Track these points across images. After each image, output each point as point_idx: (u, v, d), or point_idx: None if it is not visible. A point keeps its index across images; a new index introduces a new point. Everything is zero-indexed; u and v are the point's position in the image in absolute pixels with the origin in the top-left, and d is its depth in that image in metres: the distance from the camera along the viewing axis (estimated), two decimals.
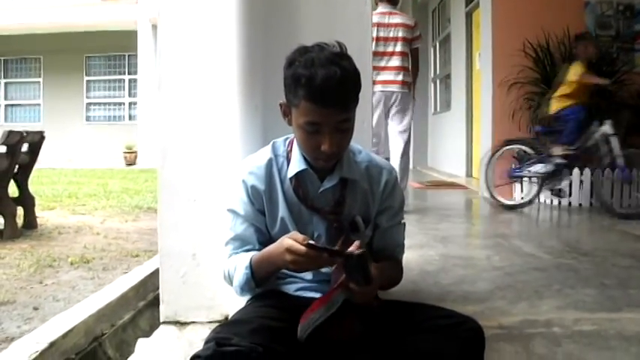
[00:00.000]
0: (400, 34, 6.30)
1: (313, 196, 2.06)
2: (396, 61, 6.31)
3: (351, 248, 1.80)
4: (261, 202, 2.08)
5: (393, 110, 6.49)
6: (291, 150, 2.09)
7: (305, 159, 2.03)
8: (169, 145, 2.57)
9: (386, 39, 6.28)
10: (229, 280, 2.10)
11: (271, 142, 2.15)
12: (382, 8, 6.36)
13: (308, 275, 2.08)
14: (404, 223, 2.25)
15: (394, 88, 6.36)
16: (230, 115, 2.53)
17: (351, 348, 1.88)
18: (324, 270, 1.97)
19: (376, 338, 1.89)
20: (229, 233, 2.12)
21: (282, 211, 2.07)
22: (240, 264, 2.01)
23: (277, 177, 2.08)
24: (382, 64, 6.27)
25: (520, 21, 7.64)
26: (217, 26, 2.56)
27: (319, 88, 1.82)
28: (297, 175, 2.04)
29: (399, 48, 6.30)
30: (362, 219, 2.04)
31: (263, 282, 2.02)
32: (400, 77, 6.36)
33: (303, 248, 1.79)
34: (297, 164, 2.04)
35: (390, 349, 1.87)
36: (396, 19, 6.34)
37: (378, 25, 6.19)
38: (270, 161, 2.10)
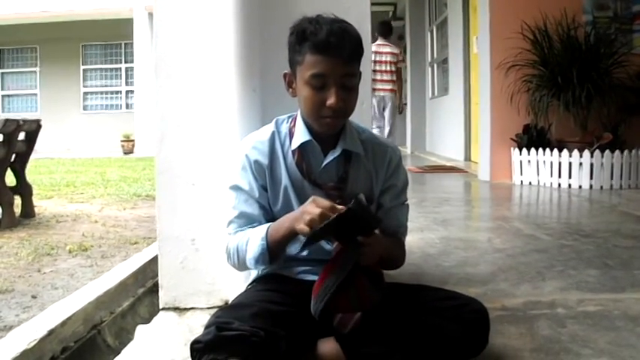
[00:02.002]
0: (389, 59, 10.07)
1: (316, 171, 2.04)
2: (386, 77, 10.13)
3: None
4: (264, 177, 2.06)
5: (385, 106, 10.31)
6: (294, 126, 2.07)
7: (309, 131, 2.02)
8: (167, 129, 2.54)
9: (380, 62, 9.96)
10: (236, 256, 2.05)
11: (274, 119, 2.14)
12: (379, 41, 10.02)
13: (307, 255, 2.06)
14: (407, 205, 2.23)
15: (386, 93, 10.19)
16: (228, 97, 2.50)
17: (353, 330, 1.86)
18: (327, 247, 1.96)
19: (380, 321, 1.87)
20: (232, 212, 2.09)
21: (284, 186, 2.05)
22: (255, 236, 1.98)
23: (280, 152, 2.07)
24: (377, 78, 9.97)
25: (517, 3, 7.62)
26: (214, 8, 2.53)
27: (324, 38, 1.86)
28: (301, 148, 2.03)
29: (387, 68, 10.09)
30: (365, 197, 2.02)
31: (277, 255, 1.99)
32: (389, 86, 10.22)
33: (327, 203, 1.78)
34: (301, 135, 2.02)
35: (395, 332, 1.85)
36: (387, 49, 10.08)
37: (375, 52, 9.76)
38: (273, 135, 2.08)
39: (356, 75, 1.97)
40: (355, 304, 1.82)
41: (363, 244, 1.78)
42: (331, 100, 1.88)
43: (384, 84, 10.10)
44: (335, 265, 1.81)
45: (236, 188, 2.08)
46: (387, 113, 10.27)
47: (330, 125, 1.97)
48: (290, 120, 2.12)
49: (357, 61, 1.97)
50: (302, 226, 1.76)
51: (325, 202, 1.78)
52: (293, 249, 2.03)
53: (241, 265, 2.07)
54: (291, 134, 2.07)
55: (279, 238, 1.94)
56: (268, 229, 1.97)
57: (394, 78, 10.20)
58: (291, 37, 1.97)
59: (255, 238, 1.98)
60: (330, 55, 1.86)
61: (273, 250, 1.96)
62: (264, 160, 2.05)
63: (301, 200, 2.01)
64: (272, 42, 2.50)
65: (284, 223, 1.93)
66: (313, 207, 1.77)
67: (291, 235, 1.90)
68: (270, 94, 2.51)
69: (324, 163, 2.02)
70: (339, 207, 1.76)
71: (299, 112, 2.06)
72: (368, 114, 2.69)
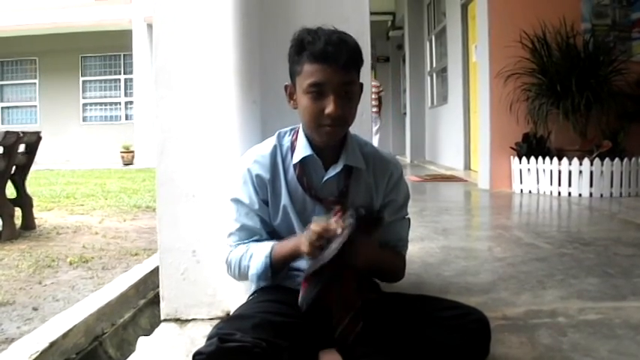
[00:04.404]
0: (373, 90, 12.55)
1: (317, 186, 2.04)
2: (373, 102, 11.61)
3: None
4: (265, 191, 2.06)
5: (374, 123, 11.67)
6: (296, 139, 2.08)
7: (310, 145, 2.02)
8: (167, 141, 2.55)
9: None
10: (237, 269, 2.07)
11: (276, 132, 2.15)
12: None
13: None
14: (408, 219, 2.23)
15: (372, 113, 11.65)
16: (228, 109, 2.50)
17: (355, 341, 1.86)
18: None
19: (381, 331, 1.87)
20: (233, 224, 2.10)
21: (284, 200, 2.06)
22: (259, 252, 2.00)
23: (281, 166, 2.07)
24: None
25: (516, 12, 7.64)
26: (213, 20, 2.54)
27: (322, 47, 1.88)
28: (302, 162, 2.03)
29: (373, 96, 12.25)
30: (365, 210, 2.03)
31: (279, 272, 2.02)
32: (374, 109, 13.68)
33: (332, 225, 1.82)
34: (302, 150, 2.03)
35: (396, 342, 1.85)
36: (373, 82, 11.73)
37: None
38: (274, 149, 2.09)
39: (355, 83, 1.97)
40: (339, 301, 1.86)
41: (359, 245, 1.81)
42: (330, 109, 1.88)
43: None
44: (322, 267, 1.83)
45: (237, 201, 2.09)
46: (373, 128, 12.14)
47: (330, 134, 1.96)
48: (292, 133, 2.12)
49: (355, 70, 1.97)
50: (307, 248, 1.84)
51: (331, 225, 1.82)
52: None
53: (242, 277, 2.09)
54: (292, 148, 2.08)
55: (282, 257, 1.97)
56: (273, 247, 1.99)
57: (377, 104, 14.38)
58: (291, 49, 1.98)
59: (259, 255, 1.99)
60: (327, 64, 1.87)
61: (276, 268, 1.99)
62: (266, 175, 2.05)
63: (301, 214, 2.04)
64: (272, 54, 2.51)
65: (288, 243, 1.97)
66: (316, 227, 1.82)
67: (295, 254, 1.93)
68: (271, 106, 2.52)
69: (325, 177, 2.03)
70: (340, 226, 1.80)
71: (301, 126, 2.06)
72: (367, 125, 2.69)
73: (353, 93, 1.96)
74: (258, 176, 2.05)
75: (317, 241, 1.79)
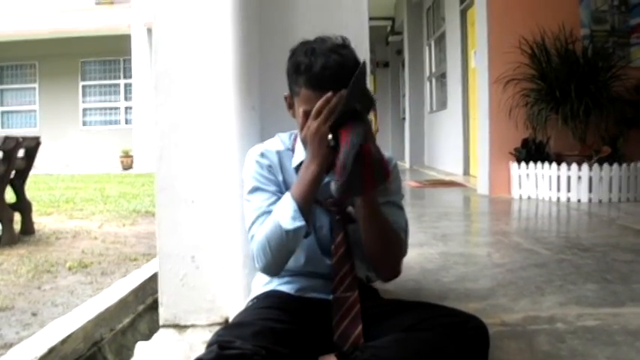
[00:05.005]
0: None
1: None
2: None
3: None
4: (277, 180, 2.08)
5: None
6: (295, 143, 2.09)
7: None
8: (166, 146, 2.55)
9: None
10: (269, 242, 1.94)
11: (276, 135, 2.15)
12: None
13: (318, 269, 2.06)
14: (401, 208, 2.19)
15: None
16: (227, 115, 2.50)
17: (354, 347, 1.86)
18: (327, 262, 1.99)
19: (379, 337, 1.87)
20: (253, 213, 2.04)
21: None
22: (279, 207, 1.95)
23: (281, 167, 2.09)
24: None
25: (515, 17, 7.64)
26: (213, 25, 2.54)
27: (317, 75, 1.85)
28: (300, 166, 2.02)
29: None
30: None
31: (309, 210, 1.95)
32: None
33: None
34: (301, 154, 2.04)
35: (393, 348, 1.84)
36: None
37: None
38: (277, 148, 2.12)
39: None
40: (377, 160, 1.86)
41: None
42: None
43: None
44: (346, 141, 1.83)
45: (255, 189, 2.06)
46: None
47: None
48: (292, 136, 2.15)
49: None
50: (319, 125, 1.85)
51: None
52: (293, 264, 2.05)
53: (275, 252, 1.97)
54: (292, 151, 2.10)
55: (303, 188, 1.93)
56: (289, 192, 1.96)
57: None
58: (289, 64, 1.98)
59: (282, 208, 1.94)
60: (324, 90, 1.85)
61: (304, 204, 1.93)
62: (275, 166, 2.08)
63: None
64: (271, 59, 2.51)
65: (300, 171, 1.96)
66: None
67: (316, 183, 1.92)
68: (270, 111, 2.52)
69: (324, 181, 2.02)
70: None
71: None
72: None
73: None
74: (269, 166, 2.07)
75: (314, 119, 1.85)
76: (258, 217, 2.03)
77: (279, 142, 2.15)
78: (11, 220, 5.71)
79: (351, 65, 1.89)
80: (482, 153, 8.14)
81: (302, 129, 1.94)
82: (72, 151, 21.77)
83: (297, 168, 2.04)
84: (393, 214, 2.14)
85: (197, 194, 2.56)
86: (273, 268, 2.04)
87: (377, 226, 2.01)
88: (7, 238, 5.55)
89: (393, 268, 2.16)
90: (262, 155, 2.09)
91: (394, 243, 2.11)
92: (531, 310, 2.74)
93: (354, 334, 1.87)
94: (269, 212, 2.00)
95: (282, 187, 2.06)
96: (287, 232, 1.91)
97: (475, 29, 8.74)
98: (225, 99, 2.50)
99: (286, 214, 1.91)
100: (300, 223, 1.91)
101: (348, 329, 1.88)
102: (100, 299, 3.41)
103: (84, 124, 22.95)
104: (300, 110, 1.92)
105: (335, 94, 1.82)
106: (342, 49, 1.93)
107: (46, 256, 4.91)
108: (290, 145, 2.12)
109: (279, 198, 2.01)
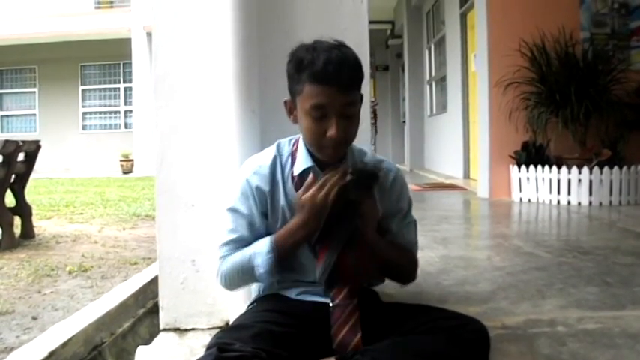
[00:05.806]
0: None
1: None
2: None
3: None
4: (265, 204, 2.06)
5: None
6: (296, 150, 2.08)
7: (311, 156, 2.02)
8: (166, 150, 2.56)
9: None
10: (238, 274, 2.03)
11: (276, 142, 2.15)
12: None
13: (309, 277, 2.05)
14: (414, 221, 2.23)
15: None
16: (227, 118, 2.51)
17: (354, 351, 1.85)
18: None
19: (379, 341, 1.87)
20: (228, 235, 2.07)
21: (282, 209, 2.06)
22: (259, 249, 1.98)
23: (280, 176, 2.07)
24: None
25: (515, 21, 7.64)
26: (213, 29, 2.55)
27: (322, 68, 1.85)
28: (303, 174, 2.02)
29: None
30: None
31: (285, 259, 1.99)
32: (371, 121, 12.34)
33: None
34: (303, 162, 2.03)
35: (394, 352, 1.84)
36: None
37: None
38: (274, 160, 2.09)
39: (356, 103, 1.96)
40: (356, 268, 1.92)
41: (361, 204, 1.90)
42: (332, 132, 1.88)
43: None
44: (334, 232, 1.90)
45: (235, 211, 2.07)
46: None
47: (332, 155, 1.97)
48: (292, 143, 2.12)
49: (357, 88, 1.96)
50: (322, 198, 1.89)
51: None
52: (291, 274, 2.05)
53: (242, 283, 2.09)
54: (293, 158, 2.08)
55: (287, 240, 1.97)
56: (272, 238, 1.98)
57: (373, 116, 14.45)
58: (289, 66, 1.97)
59: (260, 250, 1.97)
60: (329, 85, 1.86)
61: (283, 255, 1.97)
62: (265, 187, 2.05)
63: None
64: (270, 63, 2.51)
65: (288, 229, 1.97)
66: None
67: (298, 233, 1.95)
68: (270, 115, 2.52)
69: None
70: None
71: (301, 137, 2.06)
72: (367, 134, 2.70)
73: (355, 111, 1.96)
74: (258, 188, 2.05)
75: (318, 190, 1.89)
76: (233, 240, 2.08)
77: (275, 152, 2.12)
78: (11, 224, 5.71)
79: (351, 62, 1.91)
80: (482, 156, 8.14)
81: (306, 130, 1.96)
82: (72, 155, 21.76)
83: (301, 174, 2.04)
84: (405, 233, 2.18)
85: (197, 198, 2.56)
86: (234, 289, 2.18)
87: (382, 256, 2.05)
88: (7, 242, 5.54)
89: (407, 279, 2.23)
90: (255, 173, 2.08)
91: (404, 264, 2.18)
92: (532, 313, 2.73)
93: (353, 342, 1.87)
94: (243, 239, 2.06)
95: (269, 203, 2.08)
96: (259, 274, 1.98)
97: (475, 32, 8.74)
98: (225, 102, 2.51)
99: (263, 260, 1.96)
100: (270, 278, 2.01)
101: (346, 337, 1.88)
102: (100, 303, 3.41)
103: (84, 128, 22.96)
104: (306, 105, 1.91)
105: (342, 169, 1.89)
106: (342, 47, 1.94)
107: (46, 260, 4.91)
108: (290, 152, 2.11)
109: (256, 227, 2.07)
